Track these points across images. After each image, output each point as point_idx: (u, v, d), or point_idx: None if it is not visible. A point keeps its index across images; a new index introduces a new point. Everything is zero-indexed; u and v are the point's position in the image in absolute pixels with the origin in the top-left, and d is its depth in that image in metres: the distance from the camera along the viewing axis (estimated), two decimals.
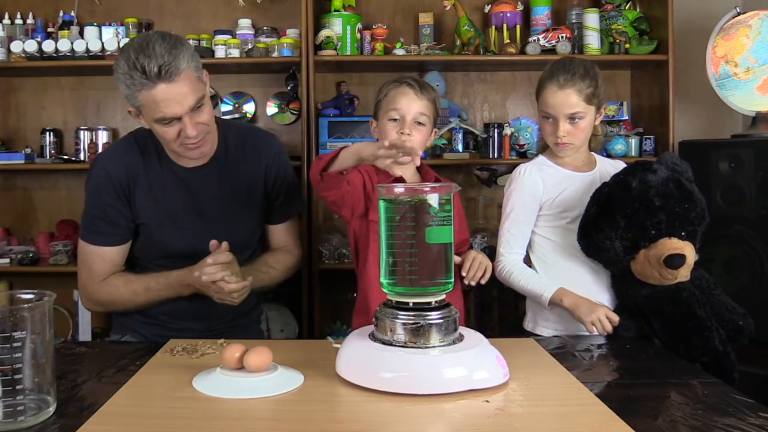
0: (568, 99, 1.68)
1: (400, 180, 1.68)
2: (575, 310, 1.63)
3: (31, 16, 2.87)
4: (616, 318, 1.59)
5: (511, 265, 1.74)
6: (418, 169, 1.75)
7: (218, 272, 1.51)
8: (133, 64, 1.41)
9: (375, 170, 1.67)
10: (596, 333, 1.59)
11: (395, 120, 1.63)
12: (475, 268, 1.58)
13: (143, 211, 1.65)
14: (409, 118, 1.62)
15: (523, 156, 2.75)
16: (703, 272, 1.65)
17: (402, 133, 1.61)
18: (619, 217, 1.57)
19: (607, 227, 1.59)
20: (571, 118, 1.69)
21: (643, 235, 1.56)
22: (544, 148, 1.84)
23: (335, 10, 2.75)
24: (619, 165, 1.79)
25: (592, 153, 1.83)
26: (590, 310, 1.61)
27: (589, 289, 1.67)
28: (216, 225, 1.65)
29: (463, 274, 1.57)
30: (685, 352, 1.52)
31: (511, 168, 1.90)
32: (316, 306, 2.68)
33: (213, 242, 1.54)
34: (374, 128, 1.71)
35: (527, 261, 1.78)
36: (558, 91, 1.69)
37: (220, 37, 2.75)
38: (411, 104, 1.62)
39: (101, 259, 1.64)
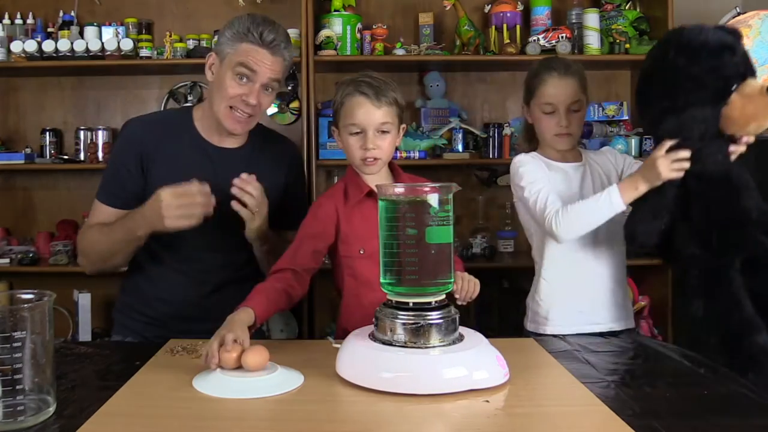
0: (570, 88, 1.70)
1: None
2: (649, 182, 1.52)
3: (31, 16, 2.88)
4: (684, 154, 1.49)
5: (562, 209, 1.62)
6: (391, 170, 1.64)
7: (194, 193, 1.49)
8: (256, 25, 1.60)
9: (343, 191, 1.58)
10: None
11: (357, 134, 1.52)
12: (466, 287, 1.51)
13: (160, 182, 1.60)
14: (371, 131, 1.51)
15: None
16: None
17: (366, 149, 1.51)
18: (690, 80, 1.47)
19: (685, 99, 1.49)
20: (572, 108, 1.71)
21: (727, 79, 1.47)
22: (529, 147, 1.84)
23: (335, 10, 2.76)
24: (601, 151, 1.85)
25: (578, 149, 1.85)
26: (657, 167, 1.49)
27: (593, 279, 1.67)
28: (233, 210, 1.62)
29: (456, 296, 1.49)
30: (718, 244, 1.45)
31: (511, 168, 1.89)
32: (316, 306, 2.68)
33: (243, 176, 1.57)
34: (337, 137, 1.60)
35: (529, 260, 1.79)
36: (560, 80, 1.70)
37: None
38: (369, 116, 1.50)
39: (100, 212, 1.69)
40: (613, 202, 1.55)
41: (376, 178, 1.57)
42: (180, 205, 1.49)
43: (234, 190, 1.56)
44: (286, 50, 1.64)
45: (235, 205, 1.57)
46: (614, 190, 1.55)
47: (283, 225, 1.76)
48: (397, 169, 1.64)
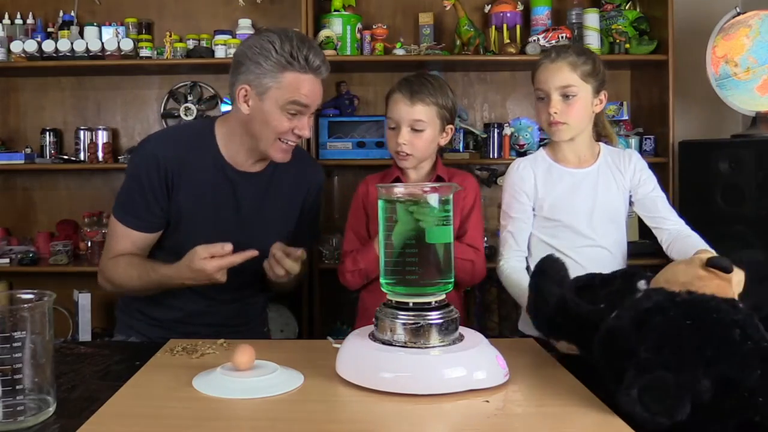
0: (560, 72, 1.64)
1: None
2: None
3: (31, 16, 2.88)
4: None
5: (507, 266, 1.69)
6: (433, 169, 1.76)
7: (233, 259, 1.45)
8: (298, 48, 1.50)
9: (384, 175, 1.69)
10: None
11: (393, 128, 1.66)
12: None
13: (184, 204, 1.61)
14: (404, 127, 1.63)
15: (523, 156, 2.75)
16: None
17: (398, 143, 1.64)
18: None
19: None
20: (564, 95, 1.64)
21: None
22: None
23: (335, 10, 2.76)
24: (622, 154, 1.75)
25: (599, 144, 1.77)
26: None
27: None
28: (253, 233, 1.62)
29: None
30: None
31: None
32: (316, 306, 2.68)
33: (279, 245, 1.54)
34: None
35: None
36: (550, 64, 1.65)
37: (220, 37, 2.75)
38: (402, 113, 1.62)
39: (124, 237, 1.61)
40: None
41: (417, 171, 1.71)
42: (222, 267, 1.45)
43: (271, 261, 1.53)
44: (327, 70, 1.57)
45: (268, 269, 1.54)
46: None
47: (294, 244, 1.76)
48: (439, 164, 1.74)
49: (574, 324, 1.17)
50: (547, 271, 1.30)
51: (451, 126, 1.70)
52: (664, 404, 0.89)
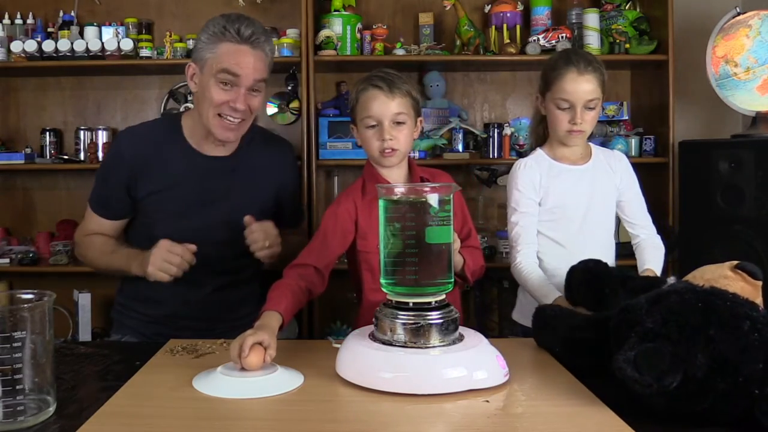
0: (588, 86, 1.68)
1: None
2: None
3: (31, 16, 2.88)
4: None
5: (525, 263, 1.71)
6: (409, 166, 1.70)
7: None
8: (232, 22, 1.55)
9: (361, 187, 1.60)
10: None
11: (373, 126, 1.55)
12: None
13: (154, 194, 1.65)
14: (386, 122, 1.53)
15: (523, 156, 2.75)
16: None
17: (384, 140, 1.53)
18: None
19: None
20: (588, 105, 1.69)
21: None
22: (537, 143, 1.84)
23: (335, 10, 2.76)
24: (612, 154, 1.83)
25: (589, 144, 1.84)
26: None
27: None
28: (224, 219, 1.64)
29: None
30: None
31: (511, 168, 1.90)
32: (316, 306, 2.68)
33: (247, 218, 1.57)
34: (356, 134, 1.63)
35: None
36: (578, 77, 1.67)
37: None
38: (383, 107, 1.53)
39: (95, 222, 1.73)
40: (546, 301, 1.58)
41: (395, 172, 1.61)
42: (165, 259, 1.51)
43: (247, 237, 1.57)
44: (267, 44, 1.59)
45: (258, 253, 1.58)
46: (552, 298, 1.58)
47: (280, 225, 1.76)
48: (414, 165, 1.66)
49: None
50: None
51: (420, 118, 1.63)
52: (656, 370, 0.93)
